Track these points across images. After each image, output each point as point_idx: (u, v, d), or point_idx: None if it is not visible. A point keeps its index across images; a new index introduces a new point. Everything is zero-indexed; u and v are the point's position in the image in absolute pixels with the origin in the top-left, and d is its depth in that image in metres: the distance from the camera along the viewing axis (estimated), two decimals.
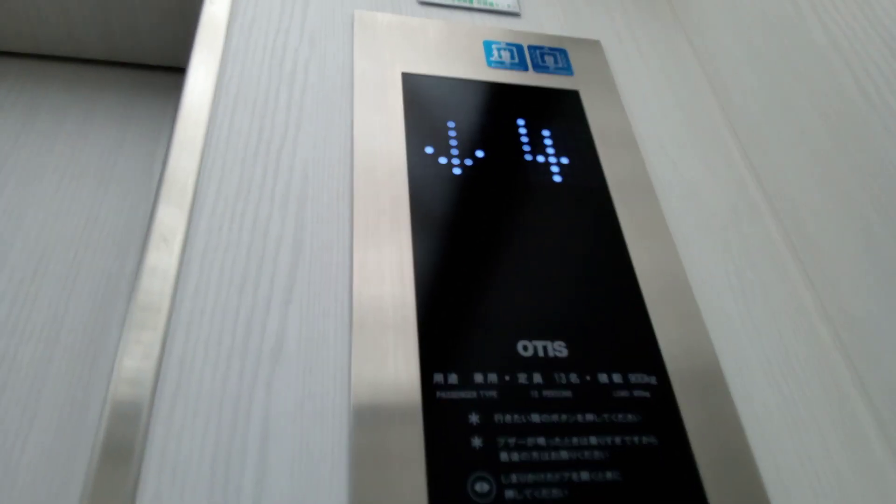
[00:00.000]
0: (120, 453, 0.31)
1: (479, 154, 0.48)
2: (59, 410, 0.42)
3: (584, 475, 0.35)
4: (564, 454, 0.36)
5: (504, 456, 0.35)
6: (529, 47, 0.56)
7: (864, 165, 0.43)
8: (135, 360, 0.33)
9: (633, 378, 0.39)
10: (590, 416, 0.37)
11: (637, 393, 0.39)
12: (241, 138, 0.43)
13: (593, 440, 0.36)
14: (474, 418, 0.36)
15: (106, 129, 0.56)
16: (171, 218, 0.38)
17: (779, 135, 0.50)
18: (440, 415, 0.35)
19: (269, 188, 0.41)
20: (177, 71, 0.60)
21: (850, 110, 0.44)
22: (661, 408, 0.38)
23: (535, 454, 0.35)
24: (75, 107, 0.57)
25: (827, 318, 0.45)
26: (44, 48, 0.58)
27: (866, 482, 0.38)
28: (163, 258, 0.37)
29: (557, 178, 0.48)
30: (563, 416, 0.37)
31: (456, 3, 0.58)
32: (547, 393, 0.38)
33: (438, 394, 0.36)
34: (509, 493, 0.34)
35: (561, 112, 0.52)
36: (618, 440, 0.37)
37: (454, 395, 0.36)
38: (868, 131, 0.43)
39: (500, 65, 0.54)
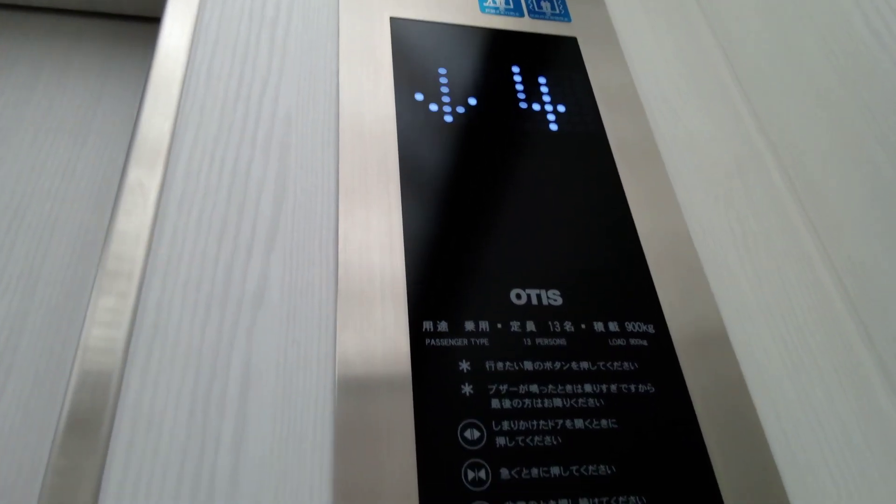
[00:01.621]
0: (93, 400, 0.30)
1: (472, 102, 0.46)
2: (35, 363, 0.40)
3: (579, 422, 0.34)
4: (558, 402, 0.34)
5: (495, 403, 0.34)
6: None
7: (873, 106, 0.41)
8: (109, 305, 0.32)
9: (630, 327, 0.38)
10: (584, 365, 0.36)
11: (634, 341, 0.37)
12: (220, 83, 0.41)
13: (588, 388, 0.35)
14: (465, 366, 0.34)
15: (84, 82, 0.54)
16: (146, 162, 0.36)
17: (784, 80, 0.48)
18: (429, 362, 0.34)
19: (251, 133, 0.39)
20: (157, 21, 0.58)
21: (860, 49, 0.42)
22: (658, 356, 0.37)
23: (527, 402, 0.34)
24: (52, 59, 0.55)
25: (831, 265, 0.43)
26: None
27: (870, 430, 0.37)
28: (138, 203, 0.35)
29: (553, 127, 0.46)
30: (557, 364, 0.35)
31: None
32: (540, 341, 0.36)
33: (428, 341, 0.35)
34: (500, 440, 0.32)
35: (558, 59, 0.50)
36: (613, 388, 0.35)
37: (444, 342, 0.35)
38: (878, 70, 0.41)
39: (495, 10, 0.51)
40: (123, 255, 0.34)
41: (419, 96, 0.45)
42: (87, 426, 0.29)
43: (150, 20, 0.58)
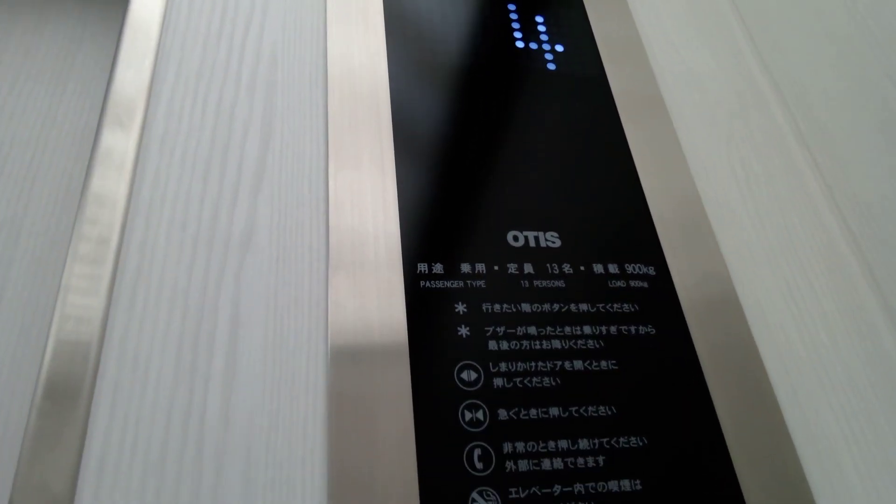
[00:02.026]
0: (75, 353, 0.29)
1: (466, 39, 0.44)
2: (21, 314, 0.39)
3: (578, 364, 0.33)
4: (556, 343, 0.33)
5: (493, 345, 0.33)
6: None
7: (880, 40, 0.39)
8: (90, 246, 0.30)
9: (631, 269, 0.37)
10: (584, 306, 0.35)
11: (634, 283, 0.36)
12: (202, 19, 0.39)
13: (587, 330, 0.34)
14: (461, 307, 0.33)
15: (63, 27, 0.51)
16: (126, 100, 0.35)
17: (789, 16, 0.46)
18: (424, 304, 0.33)
19: (235, 71, 0.38)
20: None
21: None
22: (659, 298, 0.36)
23: (525, 343, 0.33)
24: (30, 4, 0.52)
25: (836, 206, 0.42)
26: None
27: (875, 373, 0.36)
28: (118, 142, 0.34)
29: (552, 66, 0.44)
30: (556, 306, 0.35)
31: None
32: (538, 283, 0.35)
33: (422, 283, 0.34)
34: (498, 382, 0.32)
35: None
36: (613, 329, 0.35)
37: (439, 284, 0.34)
38: (886, 2, 0.39)
39: None
40: (104, 194, 0.32)
41: (411, 33, 0.43)
42: (70, 380, 0.28)
43: None
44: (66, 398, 0.28)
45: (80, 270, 0.29)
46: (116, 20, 0.52)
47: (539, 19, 0.46)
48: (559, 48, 0.45)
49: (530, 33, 0.45)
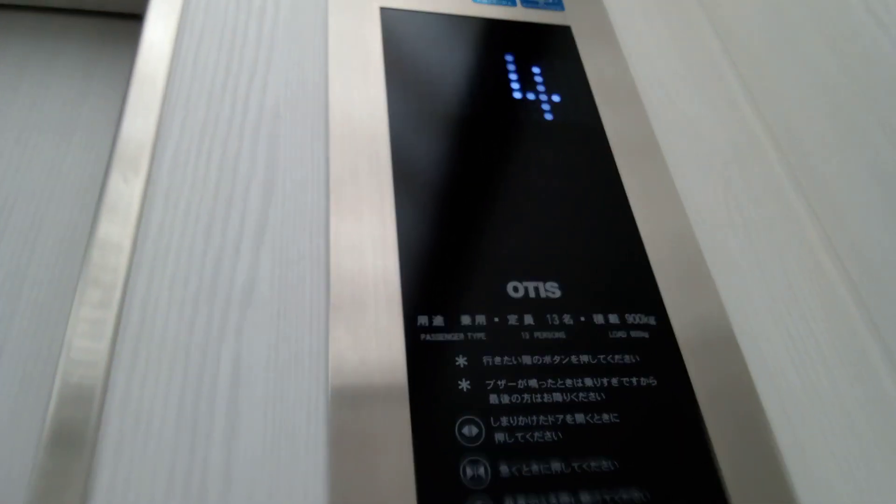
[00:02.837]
0: (79, 400, 0.29)
1: (464, 91, 0.45)
2: (22, 365, 0.39)
3: (580, 417, 0.33)
4: (558, 396, 0.33)
5: (494, 398, 0.33)
6: None
7: (872, 90, 0.40)
8: (93, 303, 0.31)
9: (631, 318, 0.37)
10: (585, 358, 0.35)
11: (635, 333, 0.36)
12: (206, 73, 0.40)
13: (588, 382, 0.34)
14: (462, 361, 0.33)
15: (69, 80, 0.53)
16: (132, 151, 0.35)
17: (782, 65, 0.47)
18: (425, 358, 0.33)
19: (238, 125, 0.38)
20: (142, 19, 0.57)
21: (858, 32, 0.41)
22: (660, 348, 0.36)
23: (526, 396, 0.33)
24: (37, 57, 0.54)
25: (834, 252, 0.42)
26: None
27: (876, 418, 0.36)
28: (123, 196, 0.34)
29: (549, 116, 0.45)
30: (557, 358, 0.35)
31: None
32: (539, 334, 0.35)
33: (423, 336, 0.34)
34: (499, 437, 0.31)
35: (552, 48, 0.49)
36: (615, 381, 0.34)
37: (440, 337, 0.34)
38: (877, 53, 0.40)
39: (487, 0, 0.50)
40: (108, 247, 0.33)
41: (411, 86, 0.44)
42: (74, 429, 0.28)
43: (135, 17, 0.57)
44: (70, 445, 0.28)
45: (86, 315, 0.30)
46: (122, 74, 0.54)
47: (536, 70, 0.47)
48: (556, 98, 0.46)
49: (527, 84, 0.46)
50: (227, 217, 0.35)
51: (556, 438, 0.32)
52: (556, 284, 0.37)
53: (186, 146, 0.37)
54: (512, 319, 0.35)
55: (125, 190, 0.35)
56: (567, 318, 0.36)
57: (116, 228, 0.33)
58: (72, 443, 0.28)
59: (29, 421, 0.39)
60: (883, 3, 0.40)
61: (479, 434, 0.31)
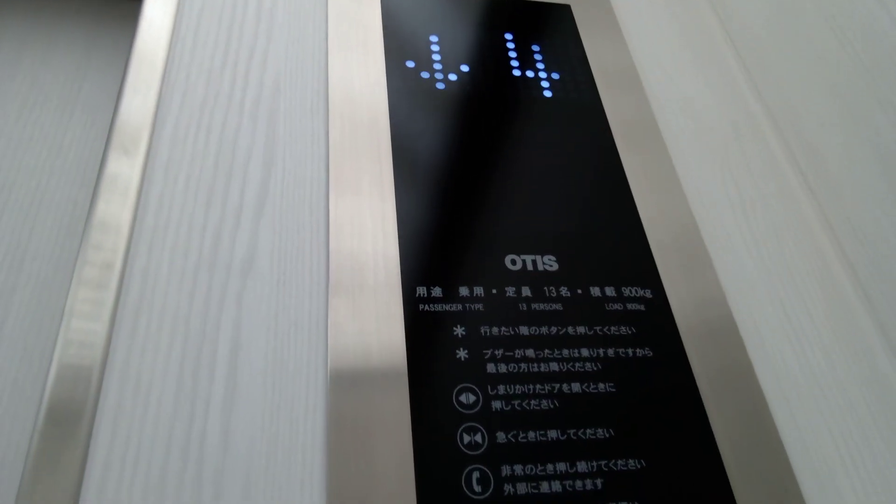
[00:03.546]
0: (77, 377, 0.29)
1: (464, 69, 0.45)
2: (23, 338, 0.40)
3: (576, 386, 0.33)
4: (555, 366, 0.34)
5: (491, 367, 0.33)
6: None
7: (871, 68, 0.40)
8: (94, 271, 0.31)
9: (627, 291, 0.37)
10: (581, 329, 0.35)
11: (631, 306, 0.37)
12: (206, 50, 0.40)
13: (585, 352, 0.35)
14: (460, 331, 0.34)
15: (69, 58, 0.53)
16: (131, 127, 0.36)
17: (781, 44, 0.47)
18: (424, 328, 0.33)
19: (238, 100, 0.39)
20: None
21: (857, 9, 0.41)
22: (656, 320, 0.37)
23: (523, 366, 0.33)
24: (37, 35, 0.54)
25: (830, 230, 0.42)
26: None
27: (872, 394, 0.37)
28: (123, 170, 0.34)
29: (548, 94, 0.45)
30: (553, 329, 0.35)
31: None
32: (536, 306, 0.36)
33: (421, 306, 0.34)
34: (496, 404, 0.32)
35: (552, 27, 0.49)
36: (611, 352, 0.35)
37: (438, 307, 0.34)
38: (877, 31, 0.40)
39: None
40: (108, 221, 0.33)
41: (410, 63, 0.44)
42: (72, 402, 0.28)
43: None
44: (68, 421, 0.28)
45: (84, 295, 0.30)
46: (122, 51, 0.54)
47: (535, 48, 0.47)
48: (555, 76, 0.46)
49: (527, 61, 0.46)
50: (227, 190, 0.35)
51: (552, 407, 0.32)
52: (553, 258, 0.38)
53: (186, 121, 0.37)
54: (510, 291, 0.36)
55: (125, 165, 0.35)
56: (564, 291, 0.36)
57: (115, 206, 0.33)
58: (69, 416, 0.28)
59: (30, 393, 0.39)
60: None
61: (476, 402, 0.32)
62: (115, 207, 0.33)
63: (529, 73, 0.46)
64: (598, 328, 0.35)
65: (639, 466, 0.32)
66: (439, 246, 0.36)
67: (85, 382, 0.28)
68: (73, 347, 0.29)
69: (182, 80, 0.38)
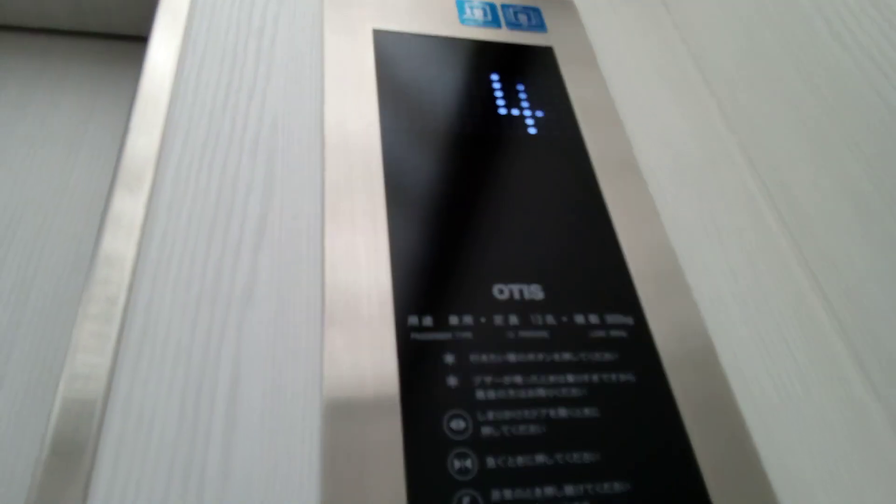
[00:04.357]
0: (84, 400, 0.30)
1: (453, 107, 0.47)
2: (28, 374, 0.41)
3: (562, 411, 0.35)
4: (542, 392, 0.35)
5: (480, 394, 0.34)
6: (503, 5, 0.55)
7: (837, 108, 0.43)
8: (98, 307, 0.32)
9: (610, 319, 0.39)
10: (567, 355, 0.37)
11: (614, 333, 0.38)
12: (208, 91, 0.42)
13: (570, 378, 0.36)
14: (450, 358, 0.35)
15: (76, 99, 0.55)
16: (136, 166, 0.37)
17: (753, 84, 0.50)
18: (415, 356, 0.35)
19: (238, 138, 0.41)
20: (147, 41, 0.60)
21: (823, 54, 0.44)
22: (638, 346, 0.38)
23: (511, 392, 0.35)
24: (45, 78, 0.56)
25: (804, 259, 0.44)
26: (12, 20, 0.57)
27: (848, 418, 0.38)
28: (128, 206, 0.36)
29: (532, 131, 0.48)
30: (540, 356, 0.36)
31: None
32: (523, 333, 0.37)
33: (413, 335, 0.36)
34: (486, 430, 0.33)
35: (535, 67, 0.52)
36: (595, 378, 0.36)
37: (429, 336, 0.36)
38: (841, 73, 0.43)
39: (474, 22, 0.53)
40: (113, 257, 0.35)
41: (402, 102, 0.46)
42: (77, 429, 0.30)
43: (141, 39, 0.60)
44: (70, 454, 0.29)
45: (89, 329, 0.31)
46: (127, 93, 0.56)
47: (520, 87, 0.50)
48: (539, 114, 0.49)
49: (512, 101, 0.49)
50: (228, 224, 0.37)
51: (540, 432, 0.34)
52: (539, 287, 0.39)
53: (189, 160, 0.39)
54: (498, 320, 0.37)
55: (129, 202, 0.37)
56: (550, 319, 0.38)
57: (121, 239, 0.35)
58: (72, 449, 0.29)
59: (32, 428, 0.40)
60: (846, 26, 0.43)
61: (466, 428, 0.33)
62: (120, 243, 0.35)
63: (515, 112, 0.48)
64: (582, 354, 0.37)
65: (625, 489, 0.33)
66: (430, 276, 0.38)
67: (88, 415, 0.30)
68: (78, 381, 0.31)
69: (185, 120, 0.41)
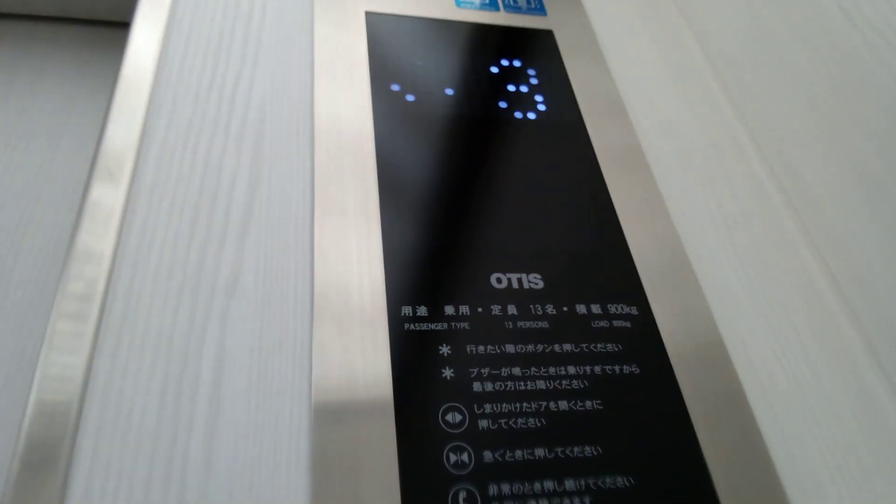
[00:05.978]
0: (61, 386, 0.29)
1: (449, 92, 0.45)
2: (6, 365, 0.39)
3: (563, 404, 0.33)
4: (541, 384, 0.34)
5: (477, 386, 0.33)
6: None
7: (847, 89, 0.41)
8: (77, 291, 0.31)
9: (613, 308, 0.37)
10: (567, 346, 0.35)
11: (617, 323, 0.37)
12: (193, 74, 0.41)
13: (572, 370, 0.34)
14: (445, 350, 0.34)
15: (58, 87, 0.53)
16: (116, 153, 0.36)
17: (760, 67, 0.48)
18: (409, 347, 0.33)
19: (224, 123, 0.39)
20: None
21: (833, 33, 0.42)
22: (642, 337, 0.37)
23: (510, 384, 0.33)
24: (27, 65, 0.54)
25: (812, 244, 0.43)
26: None
27: (859, 408, 0.37)
28: (108, 192, 0.34)
29: (531, 115, 0.46)
30: (540, 347, 0.35)
31: None
32: (522, 324, 0.36)
33: (406, 326, 0.34)
34: (483, 423, 0.32)
35: (535, 51, 0.50)
36: (597, 369, 0.35)
37: (424, 326, 0.34)
38: (851, 52, 0.41)
39: (471, 4, 0.52)
40: (92, 243, 0.33)
41: (395, 87, 0.44)
42: (53, 425, 0.28)
43: (125, 25, 0.58)
44: (48, 447, 0.28)
45: (62, 328, 0.30)
46: (110, 80, 0.54)
47: (519, 72, 0.48)
48: (538, 98, 0.47)
49: (511, 85, 0.47)
50: (212, 210, 0.35)
51: (539, 425, 0.32)
52: (538, 276, 0.38)
53: (172, 144, 0.37)
54: (496, 309, 0.36)
55: (109, 191, 0.35)
56: (550, 308, 0.36)
57: (98, 232, 0.33)
58: (49, 441, 0.28)
59: (12, 422, 0.38)
60: (854, 2, 0.41)
61: (462, 421, 0.32)
62: (97, 236, 0.33)
63: (513, 97, 0.47)
64: (584, 345, 0.35)
65: (627, 484, 0.31)
66: (424, 265, 0.37)
67: (64, 414, 0.28)
68: (52, 382, 0.29)
69: (169, 101, 0.39)
